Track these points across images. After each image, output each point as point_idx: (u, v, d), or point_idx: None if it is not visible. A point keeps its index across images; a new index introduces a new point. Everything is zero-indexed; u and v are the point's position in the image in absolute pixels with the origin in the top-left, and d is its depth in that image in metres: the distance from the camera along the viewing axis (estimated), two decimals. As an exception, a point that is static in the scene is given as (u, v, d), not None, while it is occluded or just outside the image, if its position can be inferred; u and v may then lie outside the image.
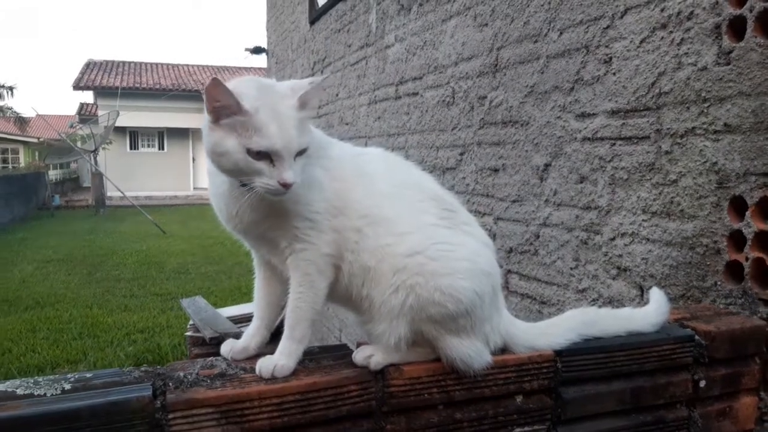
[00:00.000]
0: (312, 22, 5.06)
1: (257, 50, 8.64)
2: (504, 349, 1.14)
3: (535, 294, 2.18)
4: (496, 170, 2.43)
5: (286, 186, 0.98)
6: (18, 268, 10.14)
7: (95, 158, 20.04)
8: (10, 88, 31.84)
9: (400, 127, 3.35)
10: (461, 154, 2.70)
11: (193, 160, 26.51)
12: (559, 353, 1.15)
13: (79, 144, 20.31)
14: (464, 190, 2.68)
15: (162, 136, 26.19)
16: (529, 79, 2.18)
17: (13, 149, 26.96)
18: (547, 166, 2.09)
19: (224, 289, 8.87)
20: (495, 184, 2.43)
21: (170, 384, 0.95)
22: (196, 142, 26.33)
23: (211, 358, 1.07)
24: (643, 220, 1.71)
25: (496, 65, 2.39)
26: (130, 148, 25.88)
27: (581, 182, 1.93)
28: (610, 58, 1.80)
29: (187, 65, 27.42)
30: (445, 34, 2.80)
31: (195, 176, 26.64)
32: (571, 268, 1.98)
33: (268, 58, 7.18)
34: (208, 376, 0.99)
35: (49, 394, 0.91)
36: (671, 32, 1.60)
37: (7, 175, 19.96)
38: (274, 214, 1.06)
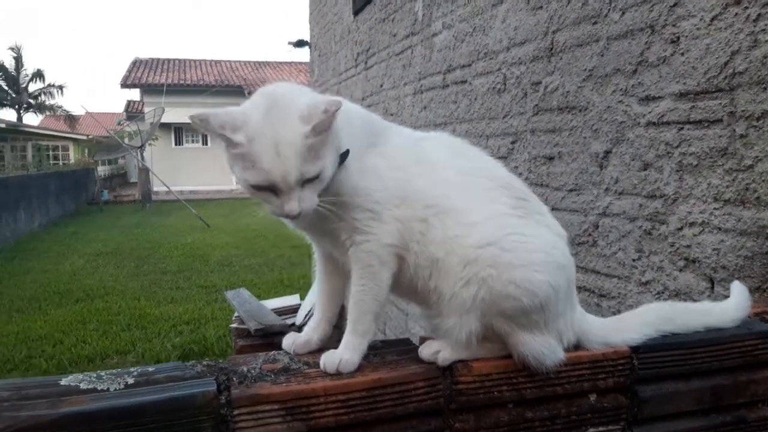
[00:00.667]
0: (356, 13, 5.02)
1: (300, 43, 8.65)
2: (577, 346, 1.08)
3: (594, 287, 2.10)
4: (551, 158, 2.34)
5: (290, 217, 0.94)
6: (69, 261, 10.47)
7: (142, 154, 20.52)
8: (60, 87, 32.90)
9: (448, 117, 3.29)
10: (513, 142, 2.62)
11: (236, 154, 26.82)
12: (635, 350, 1.09)
13: (126, 140, 20.83)
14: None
15: (205, 131, 26.58)
16: (587, 63, 2.09)
17: (64, 146, 27.81)
18: (607, 153, 2.01)
19: (267, 281, 8.95)
20: (550, 173, 2.35)
21: (234, 379, 0.92)
22: (238, 136, 26.61)
23: (273, 352, 1.04)
24: (714, 209, 1.61)
25: (552, 49, 2.30)
26: (175, 144, 26.41)
27: (645, 169, 1.84)
28: (678, 38, 1.70)
29: (230, 61, 27.77)
30: (495, 19, 2.72)
31: (237, 170, 26.97)
32: (634, 260, 1.90)
33: (310, 51, 7.18)
34: (272, 370, 0.97)
35: (112, 389, 0.89)
36: (746, 8, 1.49)
37: (58, 171, 20.61)
38: (333, 210, 1.02)
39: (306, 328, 1.10)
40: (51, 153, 26.55)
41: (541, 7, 2.36)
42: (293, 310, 5.75)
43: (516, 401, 1.01)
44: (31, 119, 33.53)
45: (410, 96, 3.82)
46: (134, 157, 21.38)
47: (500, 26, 2.68)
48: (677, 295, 1.74)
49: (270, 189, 0.93)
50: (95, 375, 0.94)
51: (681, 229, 1.72)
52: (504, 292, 0.96)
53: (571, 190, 2.22)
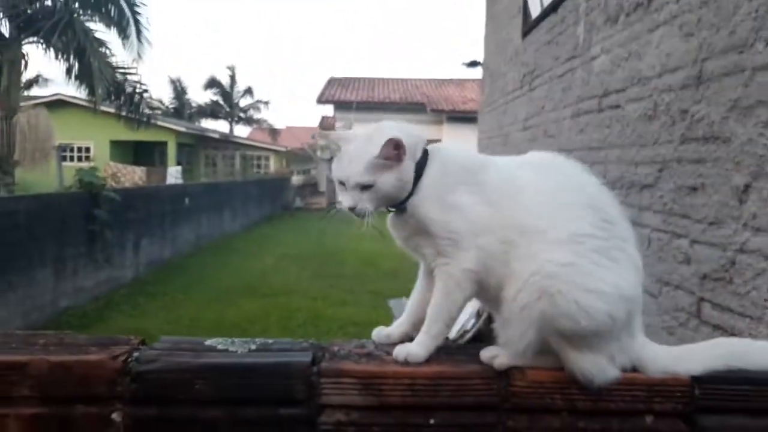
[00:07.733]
0: (524, 35, 5.12)
1: (473, 64, 8.89)
2: (635, 370, 1.14)
3: (726, 326, 2.01)
4: (694, 189, 2.28)
5: (350, 210, 1.19)
6: (260, 260, 11.68)
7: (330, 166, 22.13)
8: (266, 103, 36.70)
9: (601, 141, 3.27)
10: (660, 170, 2.58)
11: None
12: (697, 379, 1.11)
13: (318, 153, 22.66)
14: (661, 209, 2.55)
15: (389, 146, 27.84)
16: (732, 93, 2.03)
17: (265, 156, 30.98)
18: (747, 186, 1.93)
19: (431, 293, 9.18)
20: (692, 204, 2.29)
21: (326, 355, 1.15)
22: (419, 152, 27.46)
23: (363, 340, 1.25)
24: None
25: (700, 77, 2.25)
26: (360, 157, 27.93)
27: (784, 206, 1.76)
28: (823, 70, 1.62)
29: (414, 79, 28.84)
30: (650, 45, 2.69)
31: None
32: (766, 300, 1.81)
33: (483, 71, 7.37)
34: (358, 353, 1.18)
35: (239, 351, 1.17)
36: None
37: (260, 178, 23.06)
38: (417, 234, 1.20)
39: (393, 324, 1.29)
40: (255, 162, 29.73)
41: (692, 35, 2.32)
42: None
43: (569, 410, 1.11)
44: (240, 131, 37.83)
45: (568, 119, 3.84)
46: (324, 169, 23.14)
47: (654, 52, 2.65)
48: (809, 340, 1.64)
49: (342, 183, 1.20)
50: (230, 340, 1.22)
51: (817, 270, 1.63)
52: (564, 310, 1.06)
53: (711, 223, 2.15)
